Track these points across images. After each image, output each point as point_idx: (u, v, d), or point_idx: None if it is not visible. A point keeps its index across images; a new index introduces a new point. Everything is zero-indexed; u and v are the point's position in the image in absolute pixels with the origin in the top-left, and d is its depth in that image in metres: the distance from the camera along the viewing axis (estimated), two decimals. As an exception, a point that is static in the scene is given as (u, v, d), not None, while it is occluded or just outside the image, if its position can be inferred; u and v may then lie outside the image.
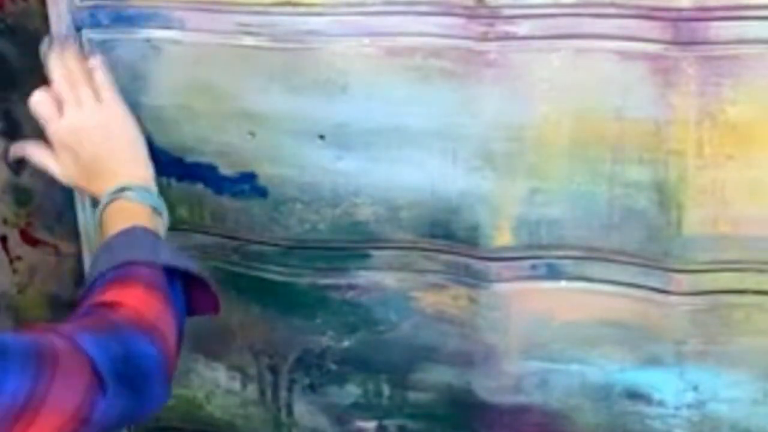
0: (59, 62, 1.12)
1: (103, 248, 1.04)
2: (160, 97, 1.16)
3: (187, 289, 1.04)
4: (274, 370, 1.25)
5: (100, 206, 1.09)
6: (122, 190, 1.08)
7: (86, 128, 1.10)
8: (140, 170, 1.11)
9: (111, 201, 1.08)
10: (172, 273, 1.02)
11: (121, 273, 0.99)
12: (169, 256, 1.03)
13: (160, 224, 1.09)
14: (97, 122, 1.11)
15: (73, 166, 1.11)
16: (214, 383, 1.29)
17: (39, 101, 1.11)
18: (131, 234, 1.04)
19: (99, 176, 1.10)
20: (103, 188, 1.09)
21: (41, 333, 0.89)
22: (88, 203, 1.25)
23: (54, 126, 1.11)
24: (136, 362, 0.93)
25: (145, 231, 1.05)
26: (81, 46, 1.16)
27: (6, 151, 1.32)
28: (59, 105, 1.11)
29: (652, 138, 1.03)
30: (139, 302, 0.96)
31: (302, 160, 1.13)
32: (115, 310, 0.95)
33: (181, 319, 1.02)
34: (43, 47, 1.14)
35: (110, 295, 0.97)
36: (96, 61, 1.13)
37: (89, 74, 1.12)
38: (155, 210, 1.09)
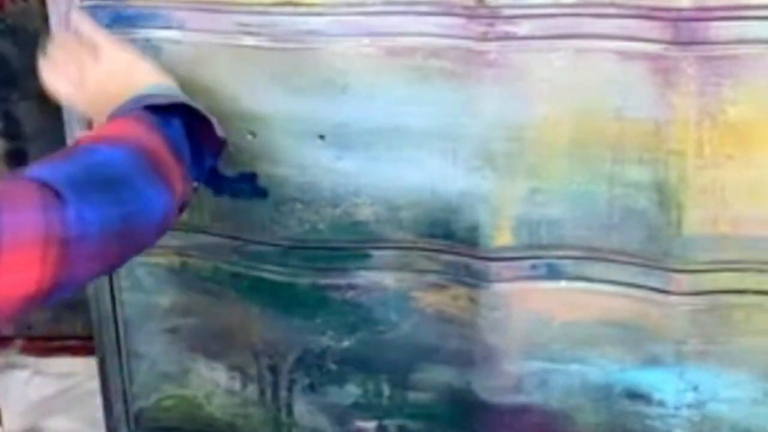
0: (59, 48, 1.10)
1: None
2: (160, 97, 1.16)
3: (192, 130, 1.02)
4: (274, 370, 1.25)
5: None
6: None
7: (95, 83, 1.08)
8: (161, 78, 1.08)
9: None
10: (167, 115, 1.00)
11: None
12: (153, 98, 1.00)
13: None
14: (101, 77, 1.07)
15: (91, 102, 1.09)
16: (214, 383, 1.29)
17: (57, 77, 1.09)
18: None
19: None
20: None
21: None
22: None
23: (65, 86, 1.09)
24: (100, 168, 0.89)
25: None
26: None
27: (6, 151, 1.32)
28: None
29: (652, 138, 1.03)
30: (102, 128, 0.94)
31: (302, 160, 1.13)
32: (74, 143, 0.93)
33: (177, 141, 0.99)
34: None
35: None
36: (77, 15, 1.11)
37: (81, 39, 1.09)
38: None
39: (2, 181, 0.86)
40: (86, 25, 1.11)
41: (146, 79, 1.07)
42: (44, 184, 0.84)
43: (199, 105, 1.04)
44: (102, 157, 0.90)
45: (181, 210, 1.02)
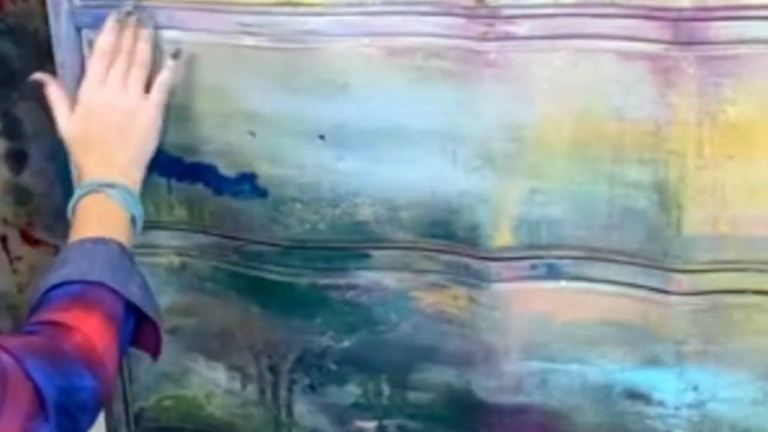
0: (138, 34, 1.11)
1: (77, 248, 1.03)
2: (160, 97, 1.16)
3: (138, 321, 1.04)
4: (274, 370, 1.25)
5: (81, 191, 1.07)
6: (108, 186, 1.07)
7: (116, 108, 1.10)
8: (134, 172, 1.11)
9: (92, 191, 1.07)
10: (130, 307, 1.02)
11: (88, 293, 0.99)
12: (136, 292, 1.02)
13: (132, 235, 1.08)
14: (130, 112, 1.10)
15: (79, 130, 1.10)
16: (214, 383, 1.29)
17: (104, 47, 1.10)
18: (110, 249, 1.03)
19: (95, 155, 1.09)
20: (90, 171, 1.09)
21: None
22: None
23: (92, 85, 1.10)
24: (77, 396, 0.92)
25: (122, 252, 1.04)
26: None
27: (6, 151, 1.32)
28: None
29: (652, 138, 1.03)
30: (94, 333, 0.96)
31: (302, 160, 1.13)
32: (69, 337, 0.94)
33: (123, 353, 1.02)
34: (119, 14, 1.12)
35: (69, 318, 0.96)
36: (173, 63, 1.12)
37: (154, 65, 1.11)
38: (133, 218, 1.08)
39: (7, 350, 0.88)
40: (167, 74, 1.12)
41: (124, 170, 1.09)
42: (40, 397, 0.88)
43: (155, 314, 1.05)
44: (82, 385, 0.93)
45: None
